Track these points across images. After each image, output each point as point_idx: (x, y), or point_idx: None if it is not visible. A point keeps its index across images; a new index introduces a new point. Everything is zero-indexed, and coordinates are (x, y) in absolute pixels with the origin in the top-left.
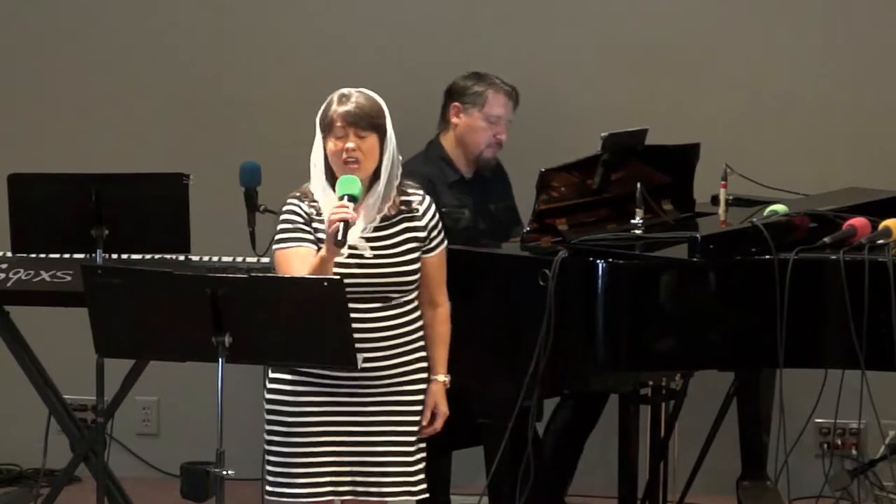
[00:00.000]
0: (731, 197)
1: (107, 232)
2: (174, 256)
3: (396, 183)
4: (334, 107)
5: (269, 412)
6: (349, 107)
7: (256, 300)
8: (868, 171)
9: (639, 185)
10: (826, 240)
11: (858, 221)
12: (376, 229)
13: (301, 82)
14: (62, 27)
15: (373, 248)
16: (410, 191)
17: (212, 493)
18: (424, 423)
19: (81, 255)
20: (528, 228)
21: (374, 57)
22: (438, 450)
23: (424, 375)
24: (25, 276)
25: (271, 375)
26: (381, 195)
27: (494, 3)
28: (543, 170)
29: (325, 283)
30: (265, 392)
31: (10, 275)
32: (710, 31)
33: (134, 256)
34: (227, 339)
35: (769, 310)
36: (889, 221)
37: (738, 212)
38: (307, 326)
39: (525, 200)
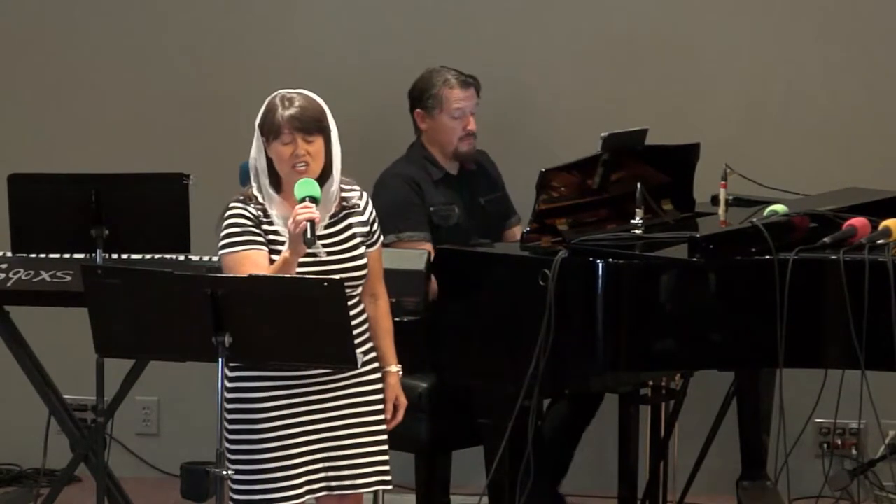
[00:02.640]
0: (731, 197)
1: (107, 232)
2: (174, 256)
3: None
4: (279, 112)
5: (233, 421)
6: (294, 111)
7: (256, 300)
8: (868, 171)
9: (639, 185)
10: (826, 240)
11: (858, 221)
12: (325, 227)
13: (301, 83)
14: (62, 27)
15: (325, 246)
16: (347, 187)
17: (212, 493)
18: (388, 416)
19: (81, 255)
20: (528, 228)
21: (371, 57)
22: (438, 450)
23: (377, 366)
24: (25, 276)
25: (228, 385)
26: (334, 195)
27: (494, 0)
28: (543, 170)
29: (325, 284)
30: (225, 402)
31: (10, 275)
32: (711, 30)
33: (134, 256)
34: (227, 339)
35: (769, 310)
36: (889, 221)
37: (738, 212)
38: (307, 326)
39: (525, 200)
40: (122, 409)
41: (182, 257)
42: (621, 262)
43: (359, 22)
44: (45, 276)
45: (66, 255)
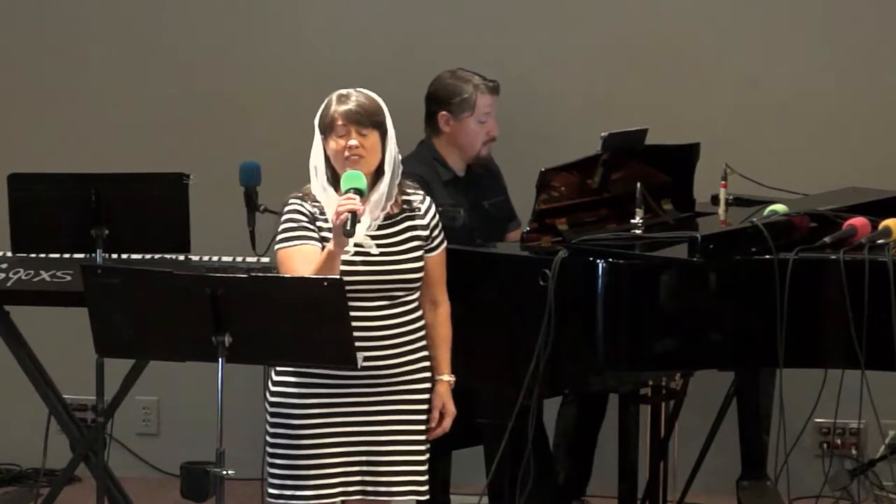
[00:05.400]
0: (731, 197)
1: (107, 232)
2: (174, 256)
3: (398, 181)
4: (334, 106)
5: (274, 415)
6: (350, 105)
7: (256, 300)
8: (868, 171)
9: (639, 184)
10: (826, 240)
11: (858, 221)
12: (380, 227)
13: (301, 82)
14: (62, 27)
15: (378, 247)
16: (410, 190)
17: (212, 493)
18: (433, 424)
19: (81, 255)
20: (528, 228)
21: (373, 56)
22: (438, 450)
23: (428, 374)
24: (25, 276)
25: (274, 378)
26: (385, 193)
27: (493, 0)
28: (543, 169)
29: (325, 283)
30: (268, 395)
31: (10, 275)
32: (711, 30)
33: (134, 256)
34: (227, 339)
35: (769, 310)
36: (889, 221)
37: (738, 212)
38: (307, 326)
39: (525, 200)
40: (122, 409)
41: (182, 257)
42: (621, 261)
43: (361, 22)
44: (45, 276)
45: (66, 255)
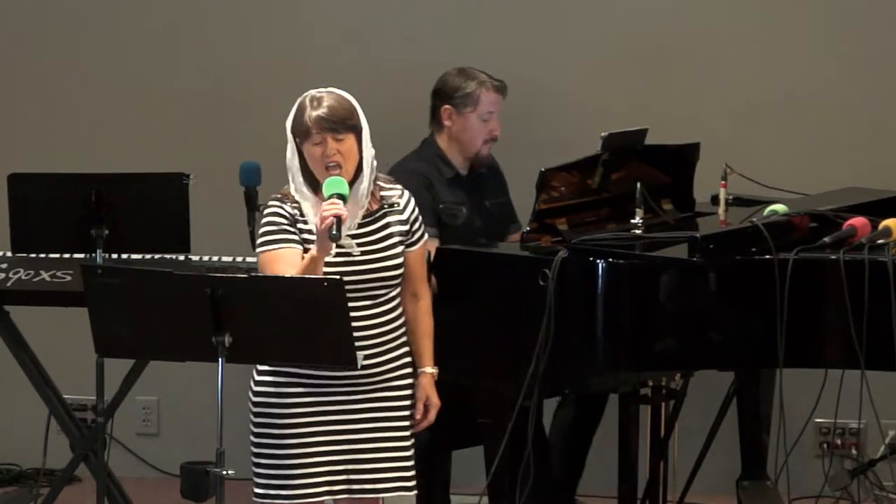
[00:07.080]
0: (731, 197)
1: (107, 232)
2: (174, 256)
3: (373, 177)
4: (308, 112)
5: (257, 415)
6: (322, 111)
7: (256, 300)
8: (868, 171)
9: (639, 184)
10: (826, 240)
11: (858, 221)
12: (360, 225)
13: (301, 82)
14: (62, 27)
15: (359, 245)
16: (387, 185)
17: (212, 493)
18: (418, 416)
19: (81, 255)
20: (528, 228)
21: (373, 56)
22: (438, 450)
23: (410, 371)
24: (25, 276)
25: (256, 378)
26: (365, 192)
27: (495, 3)
28: (543, 169)
29: (325, 284)
30: (251, 394)
31: (10, 275)
32: (711, 30)
33: (134, 256)
34: (227, 339)
35: (769, 310)
36: (889, 221)
37: (738, 212)
38: (307, 326)
39: (525, 200)
40: (122, 409)
41: (182, 257)
42: (622, 261)
43: (361, 21)
44: (45, 276)
45: (66, 255)
